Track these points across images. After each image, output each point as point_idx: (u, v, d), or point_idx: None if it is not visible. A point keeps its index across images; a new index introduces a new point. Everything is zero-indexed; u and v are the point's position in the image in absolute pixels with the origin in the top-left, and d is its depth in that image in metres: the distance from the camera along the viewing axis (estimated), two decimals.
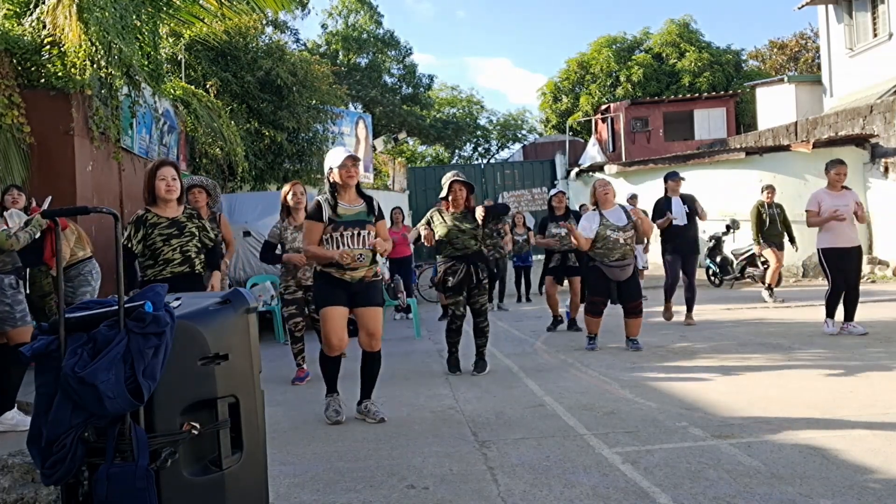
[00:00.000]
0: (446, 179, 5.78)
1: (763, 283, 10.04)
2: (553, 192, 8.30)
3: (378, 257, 4.38)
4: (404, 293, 9.01)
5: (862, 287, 11.16)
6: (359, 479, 3.25)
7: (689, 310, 7.94)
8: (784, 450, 3.34)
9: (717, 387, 4.77)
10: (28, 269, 5.21)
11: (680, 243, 7.83)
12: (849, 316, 6.68)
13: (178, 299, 2.52)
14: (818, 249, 6.79)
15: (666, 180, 8.07)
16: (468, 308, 5.77)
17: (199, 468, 2.32)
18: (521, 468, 3.28)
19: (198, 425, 2.26)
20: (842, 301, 6.70)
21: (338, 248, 4.19)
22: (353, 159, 4.25)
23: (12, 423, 4.36)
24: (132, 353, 2.11)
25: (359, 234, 4.22)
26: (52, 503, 2.79)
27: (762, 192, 9.95)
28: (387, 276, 9.79)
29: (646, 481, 3.02)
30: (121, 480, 2.10)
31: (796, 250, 9.92)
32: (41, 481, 2.32)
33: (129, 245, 4.24)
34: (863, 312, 7.54)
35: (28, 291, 5.01)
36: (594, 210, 6.56)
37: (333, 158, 4.29)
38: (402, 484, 3.15)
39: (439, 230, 5.69)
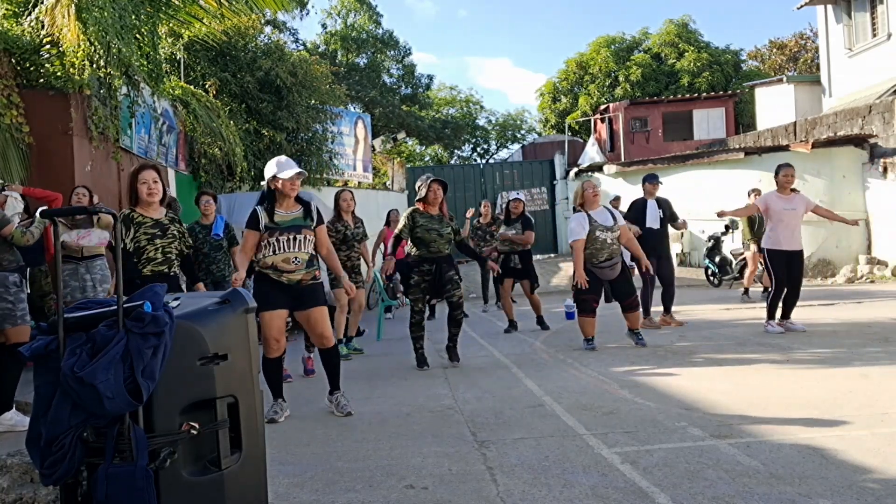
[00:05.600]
0: (423, 180, 6.18)
1: (761, 283, 10.03)
2: (511, 197, 8.84)
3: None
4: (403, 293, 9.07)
5: (861, 287, 11.29)
6: (358, 478, 3.25)
7: (667, 310, 7.88)
8: (783, 450, 3.34)
9: (716, 387, 4.77)
10: (28, 269, 5.21)
11: (653, 246, 7.64)
12: (786, 314, 6.94)
13: (177, 299, 2.52)
14: (764, 250, 7.01)
15: (644, 182, 8.09)
16: (446, 302, 6.13)
17: (198, 468, 2.32)
18: (520, 468, 3.28)
19: (197, 425, 2.26)
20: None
21: (274, 252, 4.38)
22: (299, 174, 4.44)
23: (11, 423, 4.36)
24: (131, 353, 2.11)
25: (294, 238, 4.41)
26: (50, 503, 2.79)
27: (749, 195, 9.98)
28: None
29: (645, 481, 3.02)
30: (120, 480, 2.10)
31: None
32: (40, 481, 2.32)
33: (124, 245, 4.34)
34: (863, 312, 7.53)
35: (28, 291, 5.02)
36: (579, 211, 6.52)
37: (281, 170, 4.41)
38: (401, 484, 3.15)
39: (421, 234, 6.02)
